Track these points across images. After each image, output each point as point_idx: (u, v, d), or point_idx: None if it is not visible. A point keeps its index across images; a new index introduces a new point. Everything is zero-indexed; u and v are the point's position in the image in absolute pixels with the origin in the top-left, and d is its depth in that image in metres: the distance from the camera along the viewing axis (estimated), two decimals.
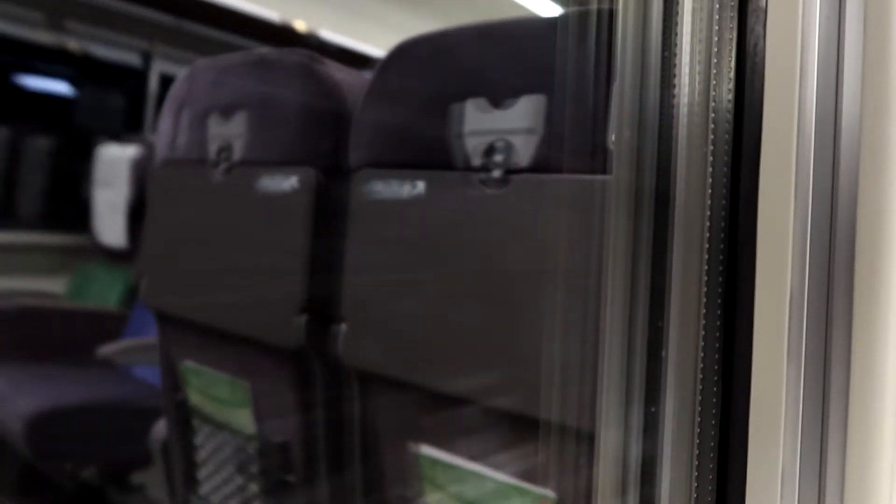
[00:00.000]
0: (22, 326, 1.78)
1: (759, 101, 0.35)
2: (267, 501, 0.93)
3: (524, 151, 0.66)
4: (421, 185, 0.73)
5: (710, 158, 0.36)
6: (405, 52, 0.78)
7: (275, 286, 0.88)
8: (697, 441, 0.36)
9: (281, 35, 2.39)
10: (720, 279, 0.36)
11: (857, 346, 0.33)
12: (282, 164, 0.88)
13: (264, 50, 1.03)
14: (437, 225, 0.72)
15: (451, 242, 0.71)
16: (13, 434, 1.42)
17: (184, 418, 1.05)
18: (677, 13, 0.37)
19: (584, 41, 0.47)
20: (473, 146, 0.70)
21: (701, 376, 0.36)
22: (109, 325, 1.83)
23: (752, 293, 0.35)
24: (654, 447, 0.36)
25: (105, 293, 1.99)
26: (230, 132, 0.95)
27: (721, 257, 0.36)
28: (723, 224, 0.36)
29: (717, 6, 0.36)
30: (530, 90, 0.66)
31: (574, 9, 0.51)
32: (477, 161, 0.69)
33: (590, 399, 0.40)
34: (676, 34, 0.37)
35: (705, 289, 0.36)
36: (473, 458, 0.69)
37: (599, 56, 0.44)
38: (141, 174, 1.65)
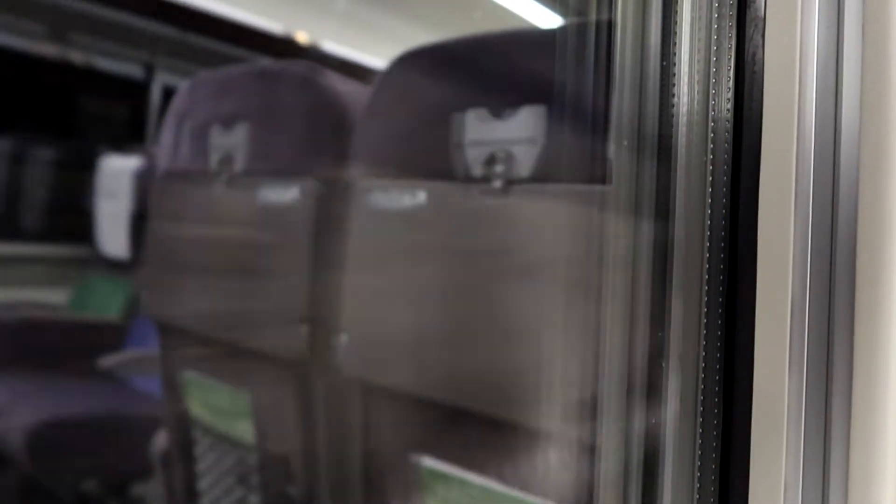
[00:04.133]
0: (24, 337, 1.78)
1: (758, 111, 0.35)
2: None
3: (525, 162, 0.66)
4: (422, 196, 0.73)
5: (710, 168, 0.36)
6: (406, 63, 0.78)
7: (276, 296, 0.88)
8: (699, 453, 0.36)
9: (283, 47, 2.40)
10: (721, 288, 0.36)
11: (859, 355, 0.33)
12: (283, 174, 0.88)
13: (266, 62, 1.03)
14: (437, 235, 0.72)
15: (452, 253, 0.71)
16: (14, 445, 1.42)
17: (184, 429, 1.04)
18: (676, 23, 0.37)
19: (584, 51, 0.47)
20: (474, 156, 0.70)
21: (702, 387, 0.36)
22: (111, 336, 1.82)
23: (753, 302, 0.35)
24: (656, 459, 0.36)
25: (107, 304, 1.99)
26: (232, 143, 0.95)
27: (721, 266, 0.36)
28: (723, 233, 0.36)
29: (716, 16, 0.36)
30: (531, 100, 0.66)
31: (573, 19, 0.51)
32: (478, 171, 0.69)
33: (591, 410, 0.40)
34: (675, 44, 0.37)
35: (706, 298, 0.36)
36: (476, 469, 0.68)
37: (599, 66, 0.44)
38: (143, 185, 1.65)
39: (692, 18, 0.37)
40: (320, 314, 0.83)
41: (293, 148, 0.90)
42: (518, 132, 0.67)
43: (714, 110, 0.36)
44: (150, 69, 2.49)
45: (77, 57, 2.37)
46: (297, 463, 0.88)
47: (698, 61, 0.36)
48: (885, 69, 0.32)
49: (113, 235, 1.72)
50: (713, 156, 0.36)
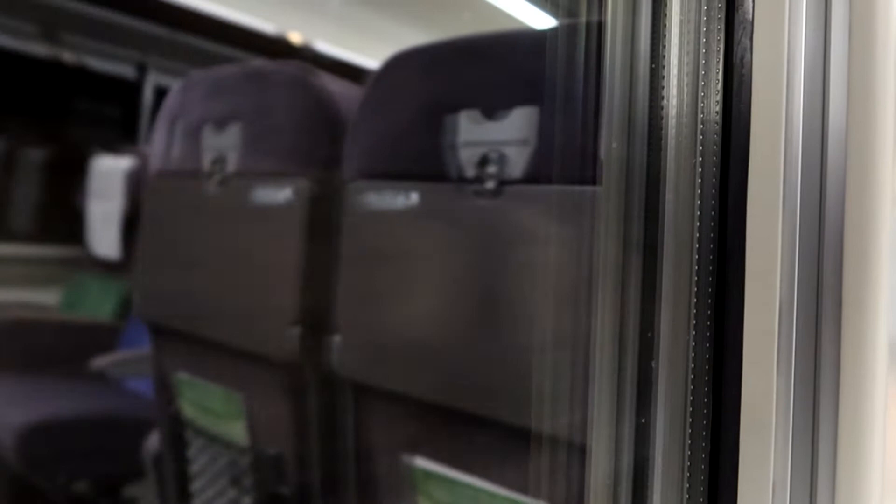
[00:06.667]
0: (15, 338, 1.78)
1: (746, 112, 0.35)
2: None
3: (517, 162, 0.67)
4: (415, 196, 0.74)
5: (699, 169, 0.36)
6: (399, 64, 0.78)
7: (268, 297, 0.87)
8: (688, 453, 0.36)
9: (276, 47, 2.40)
10: (710, 289, 0.36)
11: (846, 355, 0.33)
12: (276, 175, 0.88)
13: (259, 62, 1.03)
14: (430, 236, 0.73)
15: (445, 253, 0.71)
16: (5, 447, 1.41)
17: (177, 431, 1.04)
18: (665, 25, 0.37)
19: (575, 53, 0.47)
20: (467, 157, 0.70)
21: (692, 387, 0.36)
22: (103, 337, 1.82)
23: (741, 303, 0.35)
24: (645, 458, 0.36)
25: (99, 305, 1.98)
26: (224, 144, 0.95)
27: (710, 267, 0.36)
28: (712, 234, 0.36)
29: (705, 19, 0.36)
30: (523, 102, 0.66)
31: (564, 21, 0.51)
32: (471, 172, 0.69)
33: (582, 410, 0.40)
34: (664, 46, 0.37)
35: (695, 299, 0.36)
36: (468, 469, 0.68)
37: (589, 68, 0.44)
38: (135, 186, 1.65)
39: (681, 21, 0.37)
40: (313, 315, 0.83)
41: (286, 148, 0.90)
42: (510, 133, 0.67)
43: (703, 112, 0.36)
44: (142, 69, 2.48)
45: (68, 56, 2.36)
46: (290, 464, 0.88)
47: (687, 64, 0.37)
48: (871, 72, 0.32)
49: (105, 236, 1.72)
50: (702, 157, 0.36)
